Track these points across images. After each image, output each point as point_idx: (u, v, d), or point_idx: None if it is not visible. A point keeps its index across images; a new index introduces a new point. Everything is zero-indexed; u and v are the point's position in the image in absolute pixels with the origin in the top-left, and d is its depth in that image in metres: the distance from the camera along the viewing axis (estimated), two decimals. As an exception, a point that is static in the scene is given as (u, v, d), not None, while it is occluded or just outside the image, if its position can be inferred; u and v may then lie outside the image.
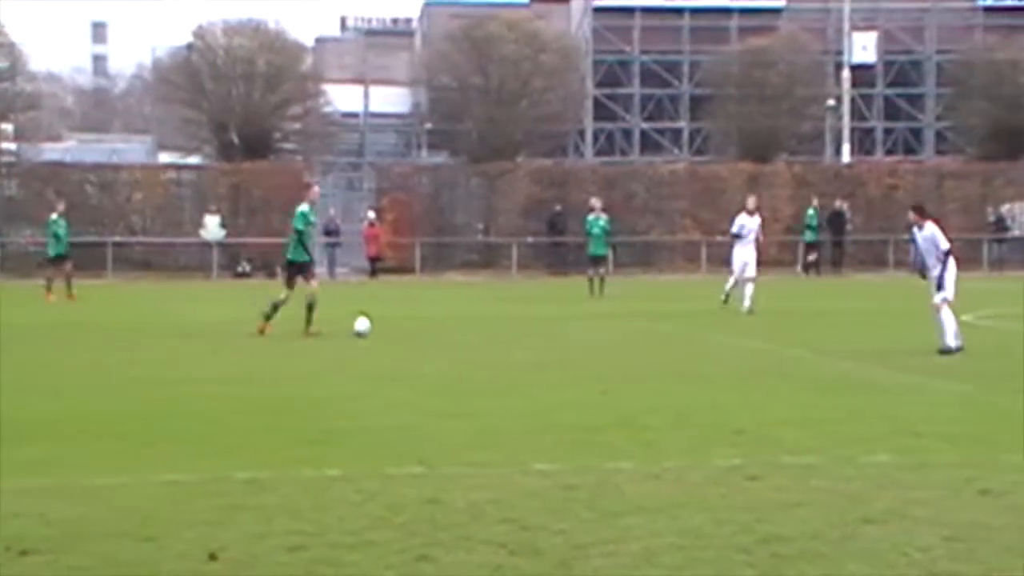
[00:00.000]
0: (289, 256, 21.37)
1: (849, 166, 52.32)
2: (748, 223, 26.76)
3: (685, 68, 59.55)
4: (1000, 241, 48.45)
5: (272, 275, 46.65)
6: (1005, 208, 49.13)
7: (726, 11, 59.45)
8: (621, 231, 42.49)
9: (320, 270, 48.65)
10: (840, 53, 54.93)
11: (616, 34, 59.55)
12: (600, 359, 17.29)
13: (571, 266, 43.06)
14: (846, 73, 54.11)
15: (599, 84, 59.57)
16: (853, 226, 47.43)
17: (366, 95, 59.72)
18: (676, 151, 59.23)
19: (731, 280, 26.62)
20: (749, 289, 25.57)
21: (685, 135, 60.05)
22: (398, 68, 59.90)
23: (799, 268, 45.29)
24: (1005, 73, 53.35)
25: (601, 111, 59.69)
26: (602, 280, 32.96)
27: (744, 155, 52.05)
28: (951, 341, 17.63)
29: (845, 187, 48.66)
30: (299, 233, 21.13)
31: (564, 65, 53.67)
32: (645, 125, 60.40)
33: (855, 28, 56.06)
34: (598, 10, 59.95)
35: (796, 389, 13.99)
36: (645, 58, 59.85)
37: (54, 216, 33.47)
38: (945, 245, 17.91)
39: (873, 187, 49.38)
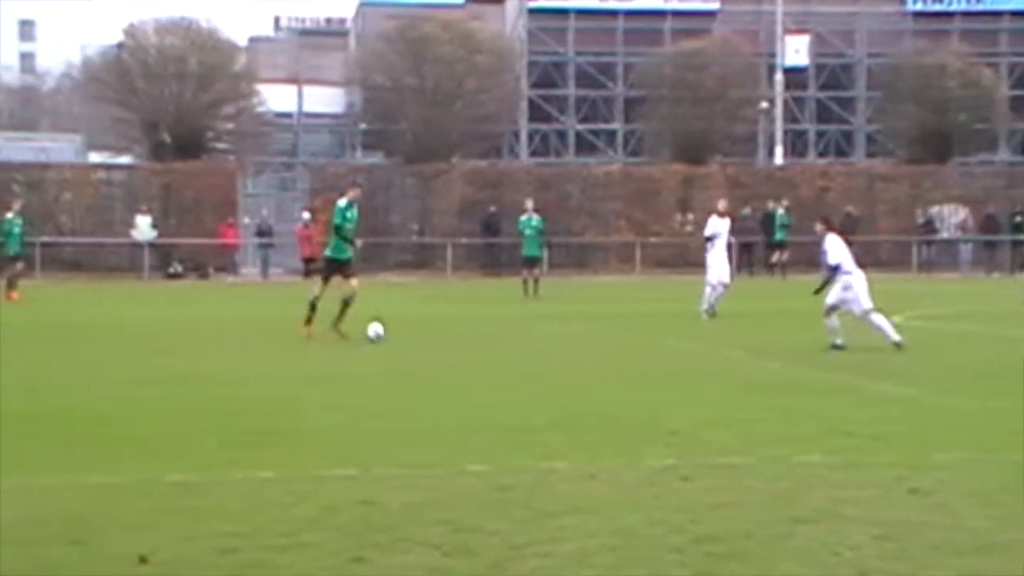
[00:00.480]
0: (328, 253, 20.84)
1: (782, 168, 52.75)
2: (720, 226, 25.83)
3: (620, 70, 59.77)
4: (929, 243, 49.03)
5: (204, 276, 46.35)
6: (934, 210, 49.73)
7: (660, 13, 59.73)
8: (555, 232, 42.60)
9: (253, 271, 48.47)
10: (773, 56, 55.36)
11: (551, 35, 59.67)
12: (535, 360, 17.30)
13: (505, 267, 43.08)
14: (779, 76, 54.55)
15: (534, 85, 59.66)
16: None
17: (300, 95, 59.42)
18: (611, 152, 59.44)
19: (708, 289, 25.08)
20: (719, 290, 24.96)
21: (620, 136, 60.27)
22: (332, 68, 59.65)
23: (762, 268, 45.54)
24: (933, 77, 54.01)
25: (536, 112, 59.78)
26: (536, 281, 33.00)
27: (678, 157, 52.33)
28: (895, 336, 17.85)
29: (778, 189, 49.04)
30: (337, 228, 20.59)
31: (499, 66, 53.71)
32: (580, 126, 60.56)
33: (787, 31, 56.53)
34: (533, 11, 60.04)
35: (729, 390, 14.07)
36: (580, 59, 60.01)
37: (9, 215, 33.88)
38: (832, 261, 18.34)
39: (805, 189, 49.81)
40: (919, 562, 6.83)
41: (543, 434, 10.91)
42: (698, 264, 35.80)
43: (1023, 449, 10.09)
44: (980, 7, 60.34)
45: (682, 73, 54.10)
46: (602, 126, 60.73)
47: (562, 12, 59.70)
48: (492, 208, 46.90)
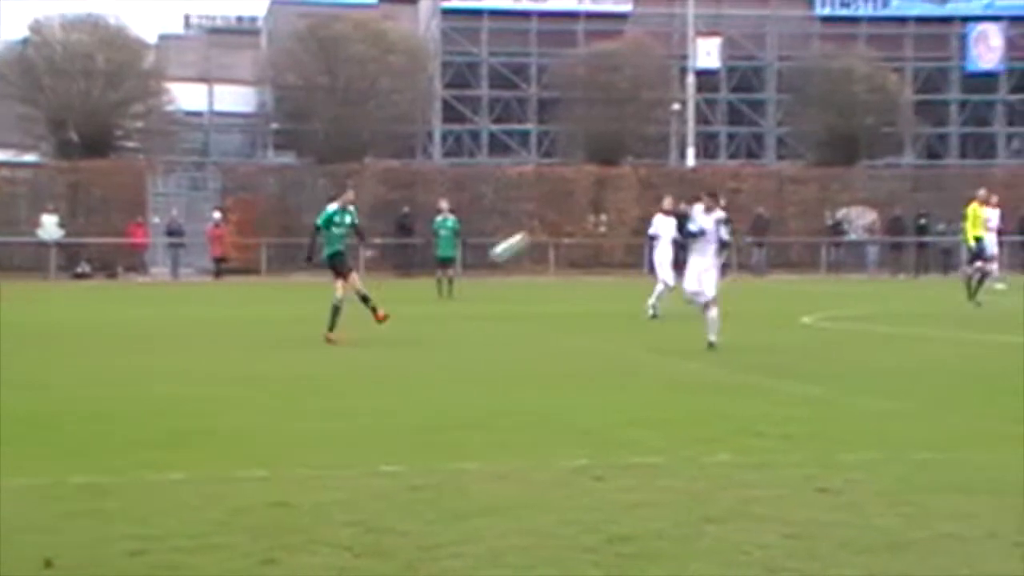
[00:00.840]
0: (324, 255, 20.73)
1: (694, 169, 53.16)
2: (664, 225, 25.50)
3: (533, 71, 59.90)
4: (837, 244, 49.66)
5: (113, 276, 45.73)
6: (841, 213, 50.39)
7: (573, 15, 59.96)
8: (469, 232, 42.59)
9: (163, 270, 47.93)
10: (685, 58, 55.79)
11: (464, 36, 59.68)
12: (448, 361, 17.27)
13: (419, 267, 43.01)
14: (691, 78, 54.98)
15: (447, 85, 59.62)
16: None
17: (210, 93, 58.92)
18: (524, 153, 59.55)
19: (660, 287, 24.86)
20: (659, 291, 24.83)
21: (533, 137, 60.41)
22: (243, 67, 59.18)
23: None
24: (840, 81, 54.74)
25: (449, 112, 59.74)
26: (451, 281, 32.97)
27: (591, 157, 52.57)
28: (715, 336, 17.96)
29: (690, 190, 49.35)
30: (318, 230, 20.45)
31: (412, 66, 53.62)
32: (493, 127, 60.61)
33: (699, 34, 57.00)
34: (446, 11, 60.00)
35: (644, 390, 14.15)
36: (493, 60, 60.06)
37: None
38: (695, 228, 18.25)
39: (718, 190, 50.21)
40: (827, 561, 6.90)
41: (457, 434, 10.90)
42: (611, 265, 36.13)
43: (930, 448, 10.25)
44: (886, 13, 61.25)
45: (595, 74, 54.36)
46: (515, 127, 60.83)
47: (475, 13, 59.73)
48: (405, 208, 46.79)
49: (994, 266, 28.57)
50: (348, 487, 8.65)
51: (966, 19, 61.48)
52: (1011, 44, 60.97)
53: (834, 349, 19.21)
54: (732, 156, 60.88)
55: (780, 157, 60.22)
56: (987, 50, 61.54)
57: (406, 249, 46.08)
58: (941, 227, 48.69)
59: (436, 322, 24.43)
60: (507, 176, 50.45)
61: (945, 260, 48.39)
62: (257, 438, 10.77)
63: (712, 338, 17.99)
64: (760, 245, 47.17)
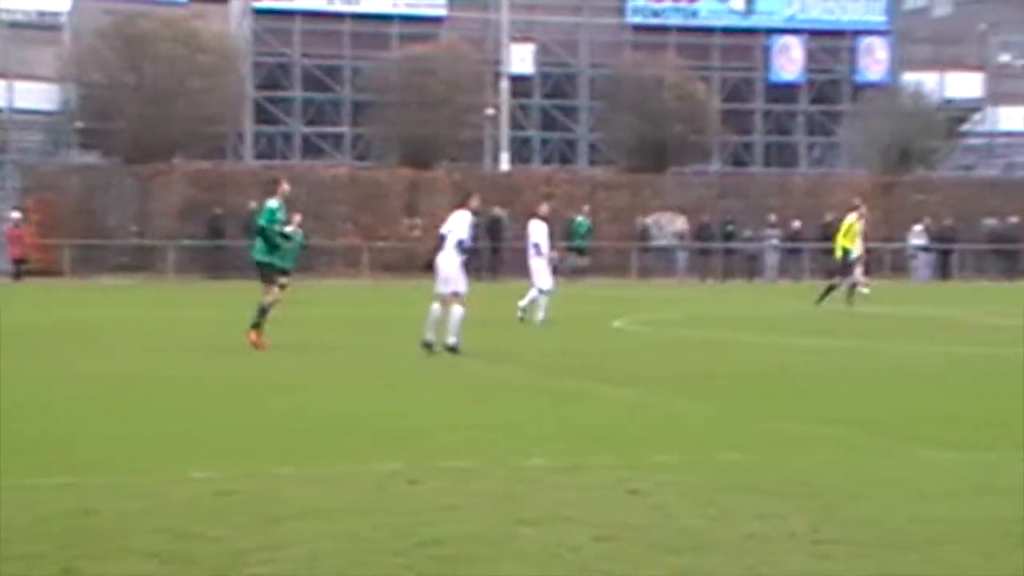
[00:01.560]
0: (256, 257, 19.67)
1: (508, 174, 53.50)
2: (541, 231, 25.30)
3: (346, 73, 59.55)
4: (646, 250, 50.50)
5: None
6: (651, 219, 51.24)
7: (387, 18, 59.78)
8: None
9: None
10: (499, 63, 56.11)
11: (276, 36, 59.00)
12: (262, 364, 17.06)
13: (231, 270, 42.37)
14: (505, 83, 55.33)
15: (259, 86, 58.87)
16: (511, 233, 48.49)
17: (10, 90, 57.05)
18: (338, 155, 59.17)
19: (536, 293, 24.55)
20: (543, 299, 24.54)
21: (347, 140, 60.05)
22: (45, 63, 57.45)
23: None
24: (650, 89, 55.66)
25: (262, 114, 59.00)
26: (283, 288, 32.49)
27: (405, 161, 52.50)
28: (453, 340, 17.81)
29: (504, 195, 49.72)
30: (260, 230, 19.40)
31: (223, 66, 52.77)
32: (306, 129, 60.07)
33: (513, 40, 57.39)
34: (258, 12, 59.24)
35: (457, 393, 14.18)
36: (306, 61, 59.53)
37: None
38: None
39: (530, 195, 50.57)
40: (637, 561, 7.01)
41: (270, 438, 10.77)
42: (419, 269, 35.53)
43: (737, 449, 10.49)
44: (695, 23, 62.54)
45: (409, 78, 54.29)
46: (329, 129, 60.39)
47: (288, 13, 59.10)
48: (217, 210, 46.06)
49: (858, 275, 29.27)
50: (156, 493, 8.47)
51: (770, 31, 63.22)
52: (811, 56, 62.91)
53: (645, 353, 19.53)
54: (546, 161, 61.43)
55: (593, 163, 60.99)
56: (789, 62, 63.37)
57: (217, 251, 45.39)
58: (748, 233, 49.92)
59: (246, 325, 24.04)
60: (320, 178, 50.04)
61: (751, 266, 49.64)
62: (58, 443, 10.47)
63: (452, 340, 17.74)
64: (495, 250, 47.48)
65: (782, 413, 12.92)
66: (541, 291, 24.42)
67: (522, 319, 24.18)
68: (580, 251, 46.56)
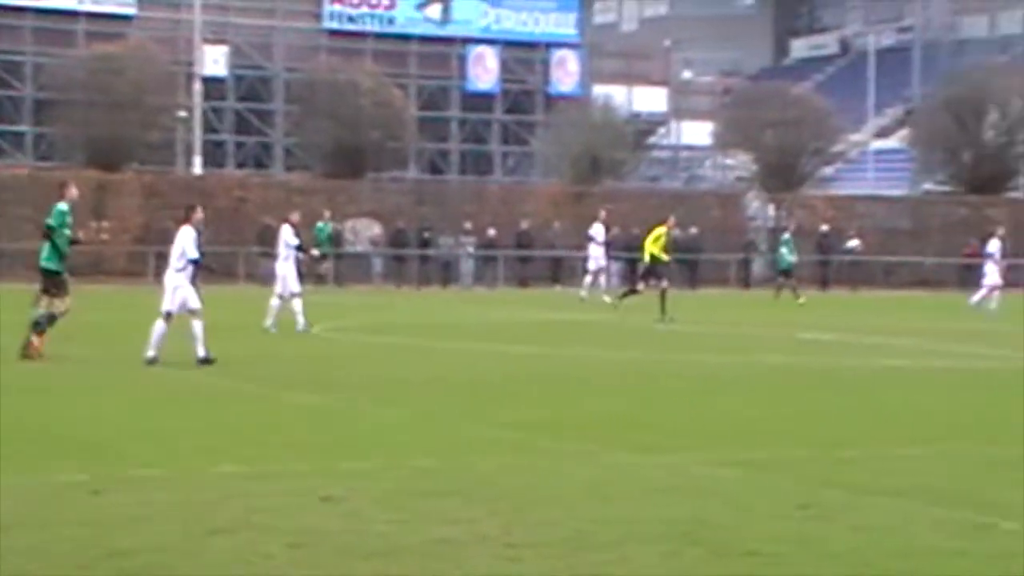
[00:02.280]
0: (42, 264, 18.20)
1: (201, 178, 52.49)
2: (291, 235, 24.89)
3: (28, 70, 57.26)
4: (340, 256, 50.32)
5: None
6: (348, 224, 51.14)
7: (72, 14, 57.77)
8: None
9: None
10: (191, 65, 55.01)
11: (-46, 30, 56.27)
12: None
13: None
14: (197, 85, 54.28)
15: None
16: (206, 238, 47.60)
17: None
18: (19, 155, 56.79)
19: (278, 302, 24.01)
20: (297, 305, 23.87)
21: (28, 139, 57.73)
22: None
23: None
24: (347, 94, 55.58)
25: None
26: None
27: (91, 162, 50.82)
28: (203, 351, 17.42)
29: (196, 198, 48.62)
30: (52, 231, 18.00)
31: None
32: (-17, 127, 57.45)
33: (206, 41, 56.36)
34: (-66, 3, 56.35)
35: (143, 400, 13.82)
36: (-14, 57, 56.95)
37: None
38: (193, 255, 17.82)
39: (223, 199, 49.75)
40: (328, 568, 6.98)
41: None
42: (113, 272, 34.90)
43: (429, 455, 10.58)
44: (391, 30, 62.84)
45: (96, 77, 52.55)
46: (8, 127, 57.93)
47: (-34, 6, 56.41)
48: None
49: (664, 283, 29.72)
50: None
51: (466, 41, 64.12)
52: (506, 67, 64.13)
53: (340, 359, 19.48)
54: (240, 165, 60.54)
55: (289, 168, 60.46)
56: (485, 71, 64.43)
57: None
58: (444, 240, 50.37)
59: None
60: (0, 179, 48.01)
61: (446, 272, 50.14)
62: None
63: (202, 354, 17.40)
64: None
65: (475, 418, 13.10)
66: (293, 294, 24.09)
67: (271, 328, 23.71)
68: (323, 256, 46.03)
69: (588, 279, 38.68)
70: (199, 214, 18.48)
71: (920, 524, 8.24)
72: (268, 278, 47.31)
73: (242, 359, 18.27)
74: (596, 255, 39.52)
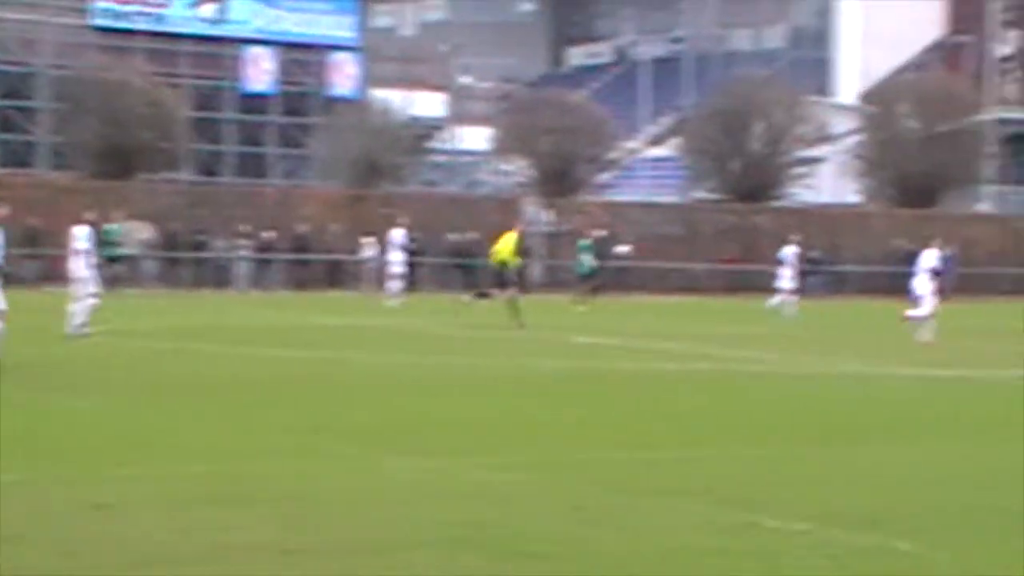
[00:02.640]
0: None
1: (-45, 177, 50.55)
2: (85, 236, 24.15)
3: None
4: (112, 259, 49.05)
5: None
6: (115, 226, 49.83)
7: None
8: None
9: None
10: (-51, 60, 52.97)
11: None
12: None
13: None
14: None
15: None
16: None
17: None
18: None
19: (81, 305, 23.35)
20: (85, 306, 23.17)
21: None
22: None
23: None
24: (116, 94, 54.23)
25: None
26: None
27: None
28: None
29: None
30: None
31: None
32: None
33: (-35, 36, 54.34)
34: None
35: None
36: None
37: None
38: None
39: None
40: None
41: None
42: None
43: (204, 460, 10.43)
44: (163, 28, 61.61)
45: None
46: None
47: None
48: None
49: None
50: None
51: (241, 41, 63.21)
52: (283, 69, 63.44)
53: (110, 363, 19.02)
54: (3, 164, 58.53)
55: (55, 167, 58.69)
56: (261, 73, 63.61)
57: None
58: (219, 243, 49.57)
59: None
60: None
61: (221, 275, 49.31)
62: None
63: None
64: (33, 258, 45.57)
65: (248, 423, 12.97)
66: (90, 294, 23.50)
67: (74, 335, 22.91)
68: (114, 259, 44.60)
69: (394, 285, 39.17)
70: (4, 210, 17.86)
71: (686, 524, 8.50)
72: (35, 281, 45.99)
73: (10, 365, 17.67)
74: (396, 260, 40.04)
